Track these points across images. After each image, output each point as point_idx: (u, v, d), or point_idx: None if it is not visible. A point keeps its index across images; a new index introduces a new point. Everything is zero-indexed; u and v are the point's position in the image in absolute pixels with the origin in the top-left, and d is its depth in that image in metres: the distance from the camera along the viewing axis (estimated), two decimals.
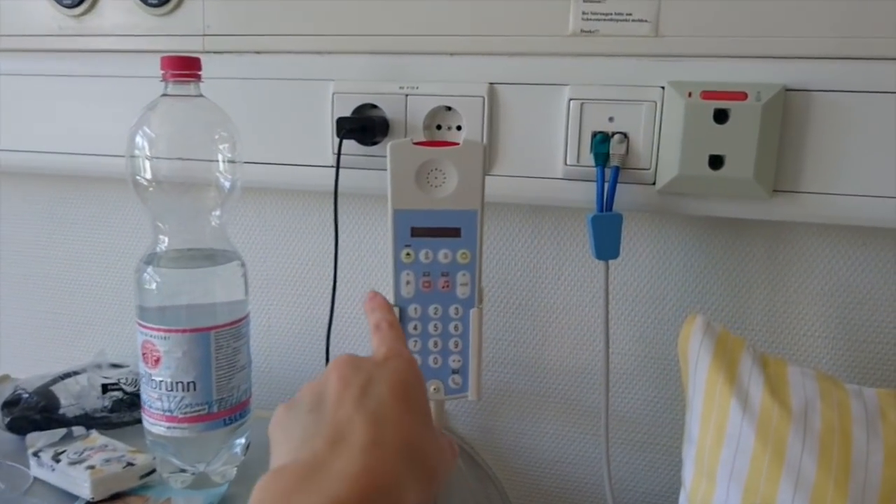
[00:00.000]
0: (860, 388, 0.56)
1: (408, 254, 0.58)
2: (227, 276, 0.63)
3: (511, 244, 0.76)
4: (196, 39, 0.74)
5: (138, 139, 0.60)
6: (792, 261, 0.69)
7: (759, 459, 0.52)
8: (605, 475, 0.68)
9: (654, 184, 0.64)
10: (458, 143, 0.56)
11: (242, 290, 0.64)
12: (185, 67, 0.60)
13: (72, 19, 0.78)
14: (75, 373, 0.75)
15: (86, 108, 0.78)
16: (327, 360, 0.73)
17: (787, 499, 0.50)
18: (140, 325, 0.60)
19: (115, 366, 0.78)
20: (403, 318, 0.58)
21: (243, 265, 0.64)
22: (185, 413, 0.60)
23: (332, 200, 0.69)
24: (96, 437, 0.67)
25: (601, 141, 0.63)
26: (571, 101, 0.64)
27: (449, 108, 0.68)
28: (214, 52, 0.74)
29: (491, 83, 0.67)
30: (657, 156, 0.64)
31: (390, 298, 0.57)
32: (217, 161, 0.62)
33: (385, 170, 0.56)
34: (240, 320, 0.63)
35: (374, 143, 0.69)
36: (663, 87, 0.62)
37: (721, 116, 0.61)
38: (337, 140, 0.67)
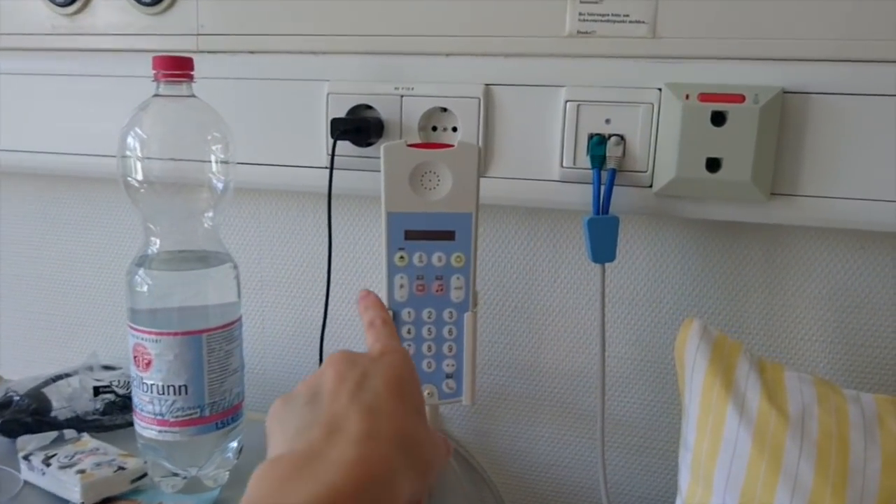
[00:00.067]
0: (858, 393, 0.55)
1: (401, 257, 0.57)
2: (220, 279, 0.62)
3: (507, 246, 0.75)
4: (189, 39, 0.74)
5: (130, 140, 0.59)
6: (789, 264, 0.68)
7: (756, 465, 0.52)
8: (601, 479, 0.68)
9: (650, 186, 0.64)
10: (452, 146, 0.56)
11: (235, 292, 0.63)
12: (176, 67, 0.59)
13: (65, 18, 0.77)
14: (67, 375, 0.75)
15: (79, 107, 0.77)
16: (321, 361, 0.72)
17: None
18: (131, 327, 0.60)
19: (107, 368, 0.78)
20: (397, 321, 0.58)
21: (236, 267, 0.64)
22: (177, 417, 0.60)
23: (325, 202, 0.68)
24: (87, 441, 0.67)
25: (598, 143, 0.63)
26: (568, 103, 0.64)
27: (444, 110, 0.68)
28: (208, 52, 0.73)
29: (487, 84, 0.66)
30: (654, 158, 0.63)
31: (384, 302, 0.56)
32: (209, 162, 0.61)
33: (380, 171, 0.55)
34: (232, 323, 0.62)
35: (369, 145, 0.68)
36: (660, 89, 0.62)
37: (718, 119, 0.60)
38: (331, 141, 0.67)
